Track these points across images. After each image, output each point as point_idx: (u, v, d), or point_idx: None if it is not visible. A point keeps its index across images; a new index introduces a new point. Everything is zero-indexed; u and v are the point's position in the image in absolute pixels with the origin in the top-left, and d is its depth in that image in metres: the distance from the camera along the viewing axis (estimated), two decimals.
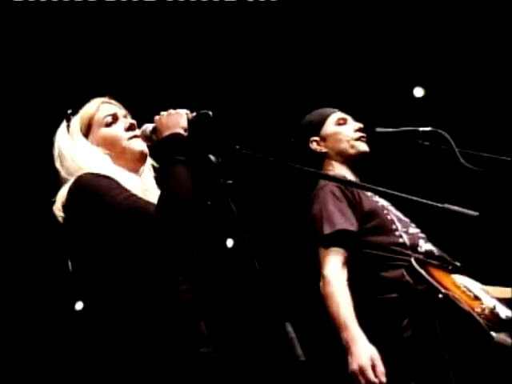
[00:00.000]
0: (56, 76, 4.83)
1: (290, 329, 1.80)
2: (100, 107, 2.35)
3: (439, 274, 2.65)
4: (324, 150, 3.15)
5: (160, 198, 2.09)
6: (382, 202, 2.97)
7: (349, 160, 3.11)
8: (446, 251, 2.94)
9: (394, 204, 3.01)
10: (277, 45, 5.10)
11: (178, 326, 2.08)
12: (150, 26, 4.86)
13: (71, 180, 2.18)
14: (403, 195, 2.00)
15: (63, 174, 2.26)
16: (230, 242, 5.86)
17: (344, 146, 3.12)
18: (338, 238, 2.82)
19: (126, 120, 2.36)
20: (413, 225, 2.97)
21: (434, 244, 2.96)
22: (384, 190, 2.07)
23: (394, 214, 2.94)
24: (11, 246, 5.38)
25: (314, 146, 3.16)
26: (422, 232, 2.96)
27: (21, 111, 4.95)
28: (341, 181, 2.93)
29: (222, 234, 5.72)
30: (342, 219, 2.84)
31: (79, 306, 5.62)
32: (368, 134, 3.13)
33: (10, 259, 5.42)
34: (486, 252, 4.51)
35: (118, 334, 2.06)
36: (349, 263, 2.82)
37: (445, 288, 2.57)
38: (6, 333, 5.52)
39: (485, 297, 2.63)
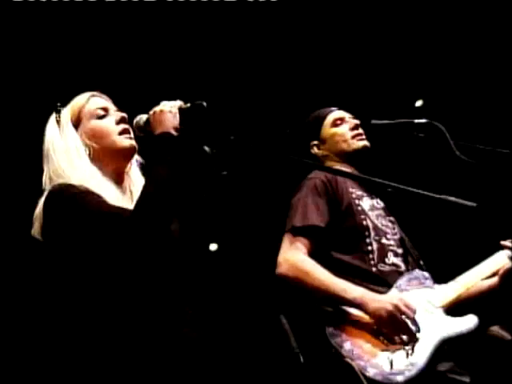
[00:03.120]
0: (54, 74, 4.83)
1: (284, 321, 1.79)
2: (90, 99, 2.35)
3: (355, 325, 2.65)
4: (325, 152, 3.17)
5: (136, 202, 2.10)
6: (365, 206, 2.97)
7: (348, 158, 3.12)
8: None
9: (390, 197, 3.01)
10: (271, 38, 5.10)
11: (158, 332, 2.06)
12: (146, 19, 4.85)
13: (44, 194, 2.17)
14: (402, 187, 2.00)
15: (45, 176, 2.25)
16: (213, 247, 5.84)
17: (341, 146, 3.14)
18: (307, 231, 2.83)
19: (116, 113, 2.35)
20: (390, 236, 2.95)
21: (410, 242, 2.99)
22: (381, 181, 2.06)
23: (371, 220, 2.93)
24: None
25: (315, 150, 3.19)
26: (400, 244, 2.96)
27: (20, 109, 4.95)
28: (335, 171, 2.92)
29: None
30: (315, 214, 2.85)
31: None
32: (364, 126, 3.13)
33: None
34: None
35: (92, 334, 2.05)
36: (311, 256, 2.82)
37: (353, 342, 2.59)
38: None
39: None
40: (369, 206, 2.98)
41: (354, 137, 3.14)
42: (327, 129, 3.19)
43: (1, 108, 4.93)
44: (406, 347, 2.59)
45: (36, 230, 2.19)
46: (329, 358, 2.54)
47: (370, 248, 2.85)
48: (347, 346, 2.57)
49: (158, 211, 2.06)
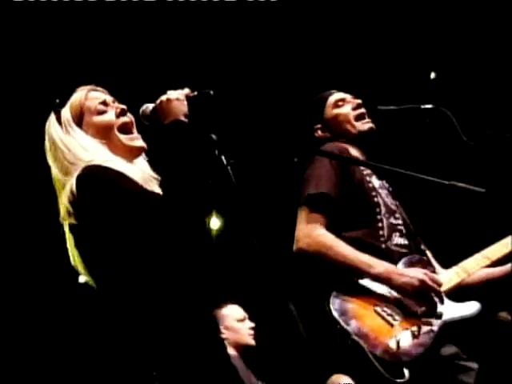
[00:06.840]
0: (53, 72, 4.83)
1: (292, 307, 1.80)
2: (88, 95, 2.33)
3: (361, 304, 2.67)
4: (329, 135, 3.15)
5: (165, 186, 2.12)
6: (375, 183, 2.97)
7: (353, 140, 3.10)
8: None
9: (396, 182, 3.01)
10: (277, 28, 5.10)
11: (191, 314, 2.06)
12: (151, 11, 4.84)
13: (74, 176, 2.14)
14: (410, 173, 1.99)
15: (56, 169, 2.23)
16: None
17: (346, 126, 3.12)
18: (321, 201, 2.83)
19: (115, 105, 2.34)
20: (397, 215, 2.95)
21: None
22: (390, 167, 2.06)
23: (381, 198, 2.93)
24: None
25: (318, 133, 3.16)
26: (405, 225, 2.97)
27: (21, 109, 4.96)
28: (342, 158, 2.93)
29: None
30: (328, 183, 2.85)
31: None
32: (370, 111, 3.12)
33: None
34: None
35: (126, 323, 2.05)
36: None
37: (360, 320, 2.60)
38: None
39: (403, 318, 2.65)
40: (378, 184, 2.99)
41: (357, 118, 3.12)
42: (330, 111, 3.17)
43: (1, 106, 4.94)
44: (424, 320, 2.62)
45: (65, 213, 2.15)
46: (336, 336, 2.56)
47: (380, 224, 2.85)
48: (354, 324, 2.58)
49: (186, 197, 2.09)
